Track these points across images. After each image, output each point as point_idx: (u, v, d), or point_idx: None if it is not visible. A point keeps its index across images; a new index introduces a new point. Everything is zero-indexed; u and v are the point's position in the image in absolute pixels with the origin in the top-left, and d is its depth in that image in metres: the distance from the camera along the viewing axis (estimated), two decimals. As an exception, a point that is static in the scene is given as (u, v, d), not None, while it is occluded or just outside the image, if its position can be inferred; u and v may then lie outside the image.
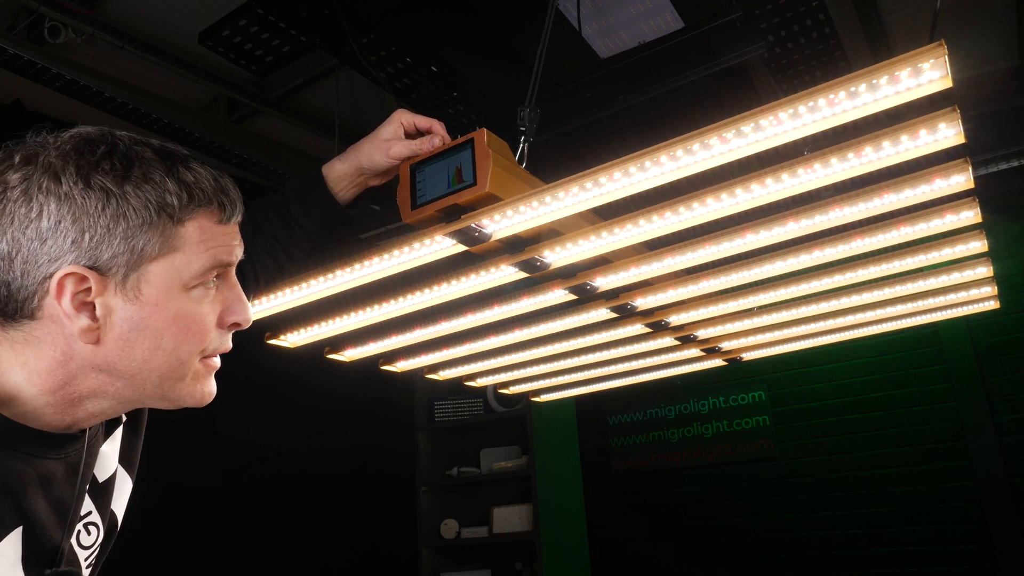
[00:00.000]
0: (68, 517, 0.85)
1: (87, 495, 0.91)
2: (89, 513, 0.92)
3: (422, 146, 1.35)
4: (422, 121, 1.37)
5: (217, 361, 0.91)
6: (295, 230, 1.35)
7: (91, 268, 0.79)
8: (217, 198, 0.86)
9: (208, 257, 0.84)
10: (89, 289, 0.79)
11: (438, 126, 1.37)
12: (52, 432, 0.83)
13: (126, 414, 1.00)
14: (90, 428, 0.89)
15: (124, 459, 1.00)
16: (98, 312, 0.80)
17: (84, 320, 0.80)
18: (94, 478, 0.93)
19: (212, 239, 0.85)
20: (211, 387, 0.90)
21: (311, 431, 3.97)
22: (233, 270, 0.90)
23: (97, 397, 0.84)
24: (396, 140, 1.35)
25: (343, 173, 1.36)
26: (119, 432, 0.99)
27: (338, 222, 1.39)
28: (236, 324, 0.90)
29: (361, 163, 1.35)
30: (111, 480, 0.97)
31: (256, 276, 1.34)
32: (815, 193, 1.29)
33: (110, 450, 0.97)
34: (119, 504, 1.00)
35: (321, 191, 1.35)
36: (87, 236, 0.78)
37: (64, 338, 0.81)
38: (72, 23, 2.26)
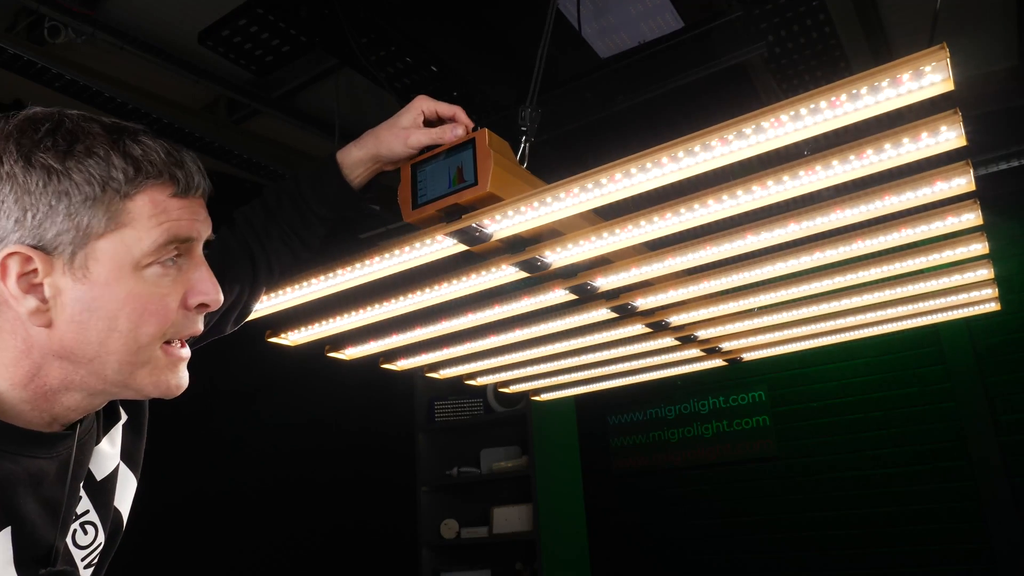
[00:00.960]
0: (60, 516, 0.84)
1: (84, 494, 0.90)
2: (86, 512, 0.90)
3: (443, 135, 1.30)
4: (445, 108, 1.32)
5: (185, 352, 0.87)
6: (310, 219, 1.32)
7: (36, 247, 0.77)
8: (169, 170, 0.82)
9: (161, 232, 0.81)
10: (36, 270, 0.77)
11: (461, 114, 1.32)
12: (42, 431, 0.82)
13: (127, 412, 0.99)
14: (82, 424, 0.88)
15: (127, 457, 0.99)
16: (46, 293, 0.78)
17: (32, 301, 0.78)
18: (92, 476, 0.92)
19: (165, 213, 0.81)
20: (179, 379, 0.87)
21: (310, 430, 3.97)
22: (198, 247, 0.87)
23: (69, 390, 0.83)
24: (415, 128, 1.30)
25: (359, 160, 1.32)
26: (118, 430, 0.98)
27: (351, 206, 1.36)
28: (203, 305, 0.86)
29: (379, 151, 1.31)
30: (111, 478, 0.96)
31: (270, 267, 1.31)
32: (816, 195, 1.29)
33: (109, 448, 0.96)
34: (123, 502, 0.99)
35: (336, 179, 1.31)
36: (29, 215, 0.77)
37: (21, 324, 0.79)
38: (72, 23, 2.26)
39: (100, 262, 0.79)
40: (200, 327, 0.88)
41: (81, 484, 0.89)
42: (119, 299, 0.79)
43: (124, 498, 0.99)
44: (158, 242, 0.81)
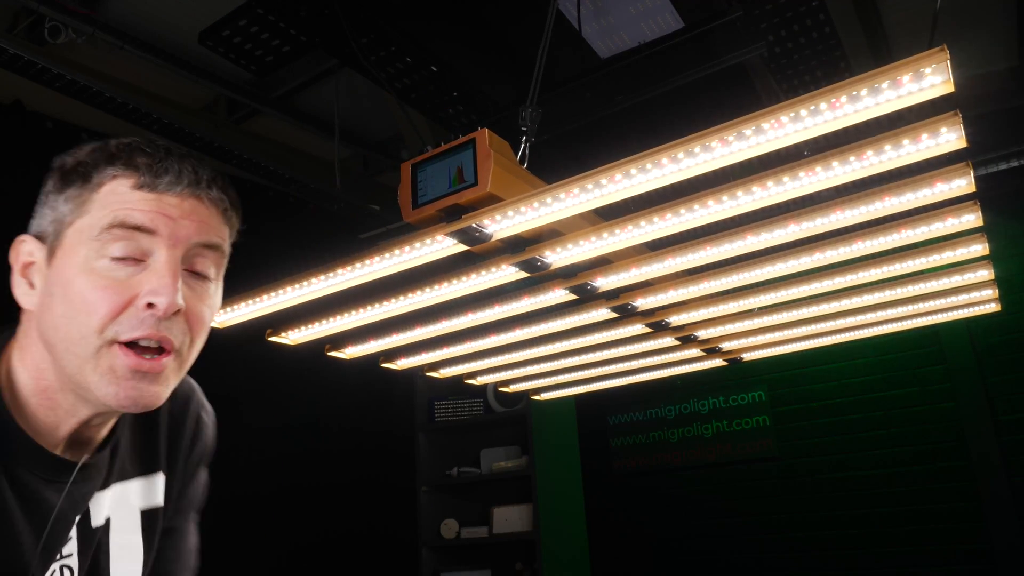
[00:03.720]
0: (38, 546, 0.81)
1: (75, 537, 0.87)
2: (69, 556, 0.87)
3: None
4: None
5: (135, 361, 0.79)
6: None
7: (35, 236, 0.84)
8: (138, 162, 0.82)
9: (106, 215, 0.80)
10: (34, 256, 0.83)
11: None
12: (49, 452, 0.82)
13: (169, 468, 0.98)
14: (90, 458, 0.86)
15: (148, 524, 0.96)
16: (34, 277, 0.83)
17: (23, 284, 0.84)
18: (88, 520, 0.89)
19: (120, 200, 0.80)
20: (128, 392, 0.79)
21: (310, 430, 3.97)
22: (165, 248, 0.81)
23: (62, 389, 0.82)
24: None
25: None
26: (154, 486, 0.96)
27: None
28: (149, 304, 0.79)
29: None
30: (104, 530, 0.91)
31: None
32: (816, 195, 1.29)
33: (122, 497, 0.93)
34: (120, 569, 0.93)
35: None
36: (36, 208, 0.84)
37: (32, 314, 0.83)
38: (72, 23, 2.26)
39: (63, 247, 0.81)
40: (149, 331, 0.79)
41: (75, 523, 0.87)
42: (68, 285, 0.79)
43: (122, 565, 0.93)
44: (99, 225, 0.79)
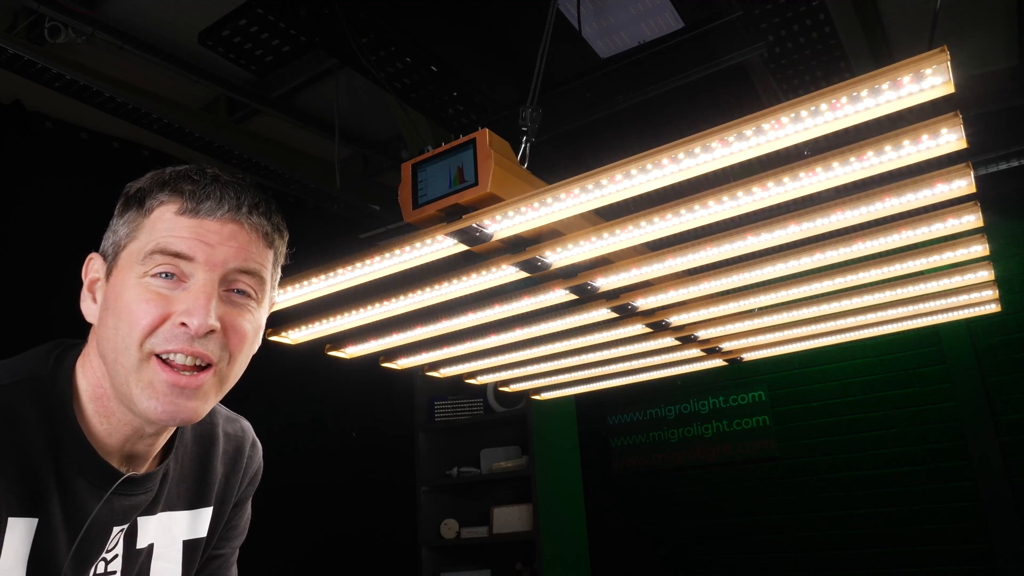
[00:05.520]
0: (70, 550, 0.84)
1: (121, 555, 0.91)
2: (113, 573, 0.92)
3: None
4: None
5: (173, 377, 0.83)
6: None
7: (101, 255, 0.90)
8: (184, 188, 0.87)
9: (151, 240, 0.85)
10: (99, 277, 0.90)
11: None
12: (101, 457, 0.86)
13: (218, 502, 1.03)
14: (134, 482, 0.89)
15: (188, 556, 1.00)
16: (98, 294, 0.89)
17: (88, 298, 0.90)
18: (133, 541, 0.93)
19: (164, 227, 0.85)
20: (167, 406, 0.83)
21: (309, 430, 3.97)
22: (203, 272, 0.85)
23: (117, 400, 0.86)
24: None
25: None
26: (184, 518, 1.00)
27: None
28: (182, 323, 0.83)
29: None
30: (146, 554, 0.96)
31: None
32: (816, 196, 1.29)
33: (160, 527, 0.96)
34: None
35: None
36: (107, 231, 0.91)
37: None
38: (72, 23, 2.26)
39: (119, 267, 0.87)
40: (183, 346, 0.83)
41: (118, 540, 0.90)
42: (118, 298, 0.85)
43: None
44: (144, 251, 0.85)
